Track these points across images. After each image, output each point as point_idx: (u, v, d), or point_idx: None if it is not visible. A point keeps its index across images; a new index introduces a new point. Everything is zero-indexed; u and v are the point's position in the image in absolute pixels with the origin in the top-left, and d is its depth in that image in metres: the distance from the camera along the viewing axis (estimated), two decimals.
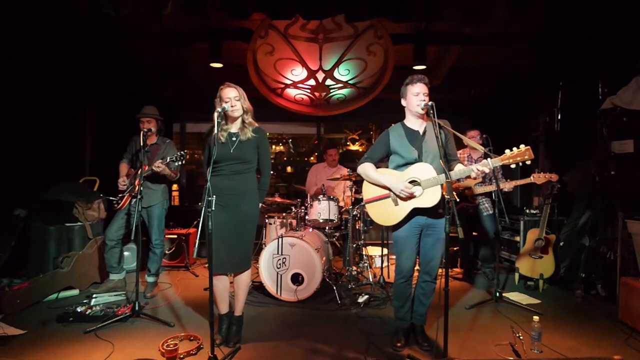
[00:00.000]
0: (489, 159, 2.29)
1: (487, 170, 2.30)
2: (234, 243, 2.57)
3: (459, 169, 2.41)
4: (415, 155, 2.46)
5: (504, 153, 2.29)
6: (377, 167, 2.63)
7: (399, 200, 2.46)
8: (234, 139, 2.59)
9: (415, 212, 2.45)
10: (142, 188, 3.04)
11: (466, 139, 2.54)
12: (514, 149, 2.27)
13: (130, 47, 4.57)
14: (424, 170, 2.39)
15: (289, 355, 2.53)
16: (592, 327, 2.96)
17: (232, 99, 2.54)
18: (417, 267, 2.62)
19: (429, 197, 2.37)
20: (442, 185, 2.40)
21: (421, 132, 2.52)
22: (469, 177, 2.48)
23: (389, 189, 2.48)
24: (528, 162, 2.25)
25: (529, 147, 2.24)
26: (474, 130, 4.05)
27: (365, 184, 2.64)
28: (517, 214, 4.35)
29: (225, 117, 2.62)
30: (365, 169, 2.58)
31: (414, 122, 2.55)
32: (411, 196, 2.40)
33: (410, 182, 2.42)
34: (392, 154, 2.58)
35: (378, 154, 2.62)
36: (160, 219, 3.67)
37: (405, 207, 2.45)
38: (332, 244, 4.30)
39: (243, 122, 2.62)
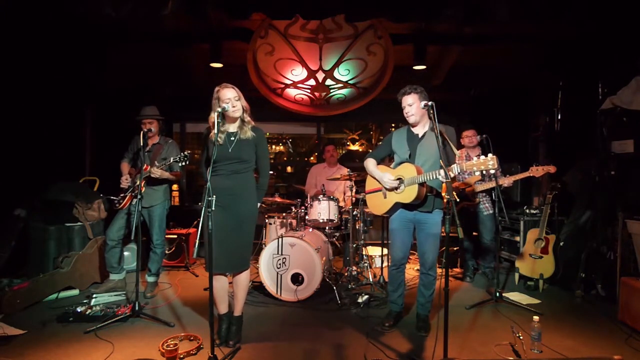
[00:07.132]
0: (455, 165, 2.44)
1: (451, 175, 2.38)
2: (232, 243, 2.56)
3: (428, 174, 2.54)
4: (407, 155, 2.76)
5: (494, 157, 2.33)
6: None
7: (386, 193, 2.83)
8: (232, 138, 2.59)
9: (399, 206, 2.80)
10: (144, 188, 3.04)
11: (453, 146, 2.69)
12: (482, 157, 2.32)
13: (131, 47, 4.57)
14: (408, 170, 2.69)
15: (289, 355, 2.53)
16: (592, 327, 2.96)
17: (232, 99, 2.53)
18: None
19: (407, 194, 2.69)
20: (440, 185, 2.66)
21: (420, 135, 2.77)
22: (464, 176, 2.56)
23: (379, 181, 2.85)
24: (492, 171, 2.40)
25: (494, 156, 2.28)
26: (470, 130, 4.04)
27: (367, 178, 3.04)
28: (518, 212, 4.35)
29: (223, 118, 2.61)
30: (367, 163, 2.97)
31: (415, 127, 2.80)
32: (393, 188, 2.74)
33: (398, 179, 2.74)
34: (393, 154, 2.90)
35: (381, 152, 2.98)
36: (162, 219, 3.66)
37: (390, 200, 2.82)
38: (332, 244, 4.29)
39: (242, 121, 2.62)
